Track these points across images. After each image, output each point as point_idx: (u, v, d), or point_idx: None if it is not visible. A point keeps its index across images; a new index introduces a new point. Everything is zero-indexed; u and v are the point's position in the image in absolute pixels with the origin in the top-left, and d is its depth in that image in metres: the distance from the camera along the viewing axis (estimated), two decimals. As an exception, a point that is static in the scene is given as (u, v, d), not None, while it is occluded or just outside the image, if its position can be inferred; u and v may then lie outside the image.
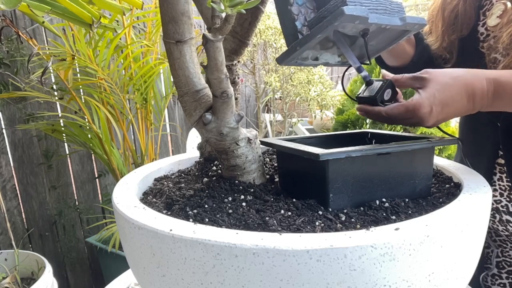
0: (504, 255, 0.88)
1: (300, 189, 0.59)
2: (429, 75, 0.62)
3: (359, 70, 0.63)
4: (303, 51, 0.60)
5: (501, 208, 0.83)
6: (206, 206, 0.55)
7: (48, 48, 1.79)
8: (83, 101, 1.79)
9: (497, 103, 0.64)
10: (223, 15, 0.49)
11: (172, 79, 1.14)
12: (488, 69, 0.78)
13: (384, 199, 0.56)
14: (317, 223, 0.49)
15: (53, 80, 1.86)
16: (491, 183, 0.84)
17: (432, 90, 0.60)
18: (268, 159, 0.81)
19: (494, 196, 0.84)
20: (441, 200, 0.58)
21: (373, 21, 0.55)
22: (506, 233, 0.84)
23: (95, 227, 2.15)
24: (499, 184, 0.83)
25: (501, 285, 0.89)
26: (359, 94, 0.67)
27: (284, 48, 2.81)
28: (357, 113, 0.69)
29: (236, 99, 0.71)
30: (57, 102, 1.91)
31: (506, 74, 0.63)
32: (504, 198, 0.82)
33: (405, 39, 0.71)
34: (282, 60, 0.63)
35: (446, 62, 0.86)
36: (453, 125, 2.17)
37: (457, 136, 0.97)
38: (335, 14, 0.53)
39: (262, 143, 0.68)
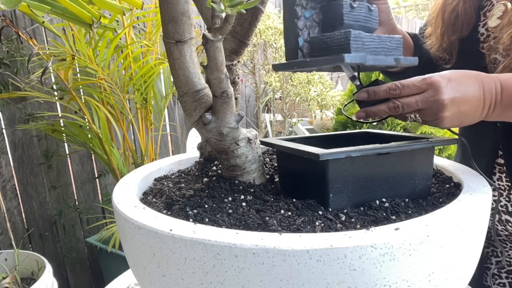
0: (504, 254, 0.88)
1: (300, 189, 0.59)
2: (434, 74, 0.61)
3: (353, 79, 0.64)
4: (299, 70, 0.62)
5: (500, 208, 0.83)
6: (206, 206, 0.55)
7: (48, 48, 1.79)
8: (83, 101, 1.79)
9: (505, 98, 0.62)
10: (223, 15, 0.49)
11: (172, 79, 1.14)
12: (488, 70, 0.79)
13: (384, 199, 0.56)
14: (317, 223, 0.49)
15: (53, 80, 1.86)
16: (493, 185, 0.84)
17: (443, 73, 0.59)
18: (268, 159, 0.81)
19: (493, 196, 0.84)
20: (441, 200, 0.58)
21: (369, 63, 0.57)
22: (506, 232, 0.84)
23: (95, 227, 2.15)
24: (499, 184, 0.83)
25: (501, 284, 0.89)
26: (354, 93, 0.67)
27: (284, 48, 2.80)
28: (357, 112, 0.66)
29: (236, 99, 0.71)
30: (57, 102, 1.91)
31: (507, 75, 0.63)
32: (504, 198, 0.82)
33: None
34: (278, 69, 0.65)
35: (447, 63, 0.87)
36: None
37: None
38: (336, 59, 0.54)
39: (262, 143, 0.68)
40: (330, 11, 0.60)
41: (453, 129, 0.73)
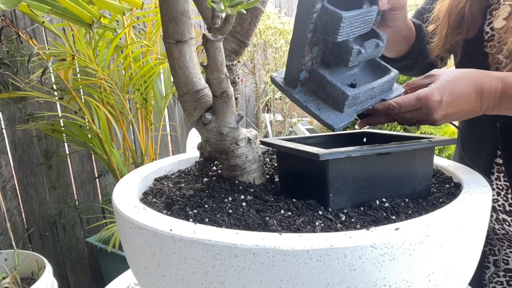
0: (501, 252, 0.88)
1: (300, 189, 0.59)
2: (438, 71, 0.63)
3: None
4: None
5: (497, 207, 0.83)
6: (206, 206, 0.55)
7: (48, 48, 1.79)
8: (83, 101, 1.79)
9: (505, 103, 0.64)
10: (223, 15, 0.49)
11: (172, 79, 1.14)
12: (491, 68, 0.79)
13: (384, 199, 0.56)
14: (317, 223, 0.49)
15: (53, 80, 1.86)
16: (489, 182, 0.84)
17: (442, 82, 0.61)
18: (268, 159, 0.81)
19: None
20: (441, 200, 0.58)
21: (358, 113, 0.63)
22: (503, 231, 0.85)
23: (95, 227, 2.15)
24: (497, 184, 0.84)
25: (499, 283, 0.89)
26: None
27: (284, 48, 2.78)
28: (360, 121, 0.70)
29: (236, 99, 0.71)
30: (57, 102, 1.91)
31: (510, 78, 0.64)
32: (501, 197, 0.83)
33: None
34: (274, 84, 0.65)
35: (446, 63, 0.87)
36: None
37: (456, 136, 0.97)
38: (327, 125, 0.59)
39: (262, 143, 0.68)
40: (339, 48, 0.59)
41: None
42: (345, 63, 0.58)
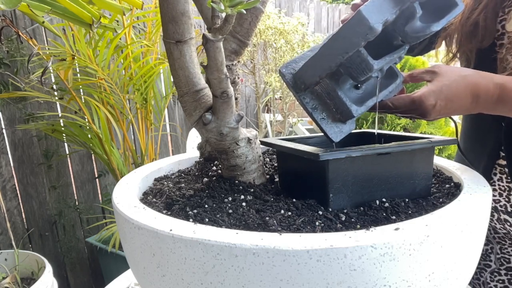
0: (503, 252, 0.88)
1: (300, 189, 0.59)
2: (440, 69, 0.64)
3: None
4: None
5: (499, 208, 0.83)
6: (206, 206, 0.55)
7: (48, 48, 1.79)
8: (83, 101, 1.79)
9: (499, 108, 0.65)
10: (223, 15, 0.49)
11: (172, 79, 1.14)
12: (498, 66, 0.78)
13: (384, 199, 0.56)
14: (317, 223, 0.49)
15: (53, 80, 1.86)
16: (491, 182, 0.84)
17: (440, 84, 0.62)
18: (268, 159, 0.81)
19: (493, 195, 0.84)
20: (441, 200, 0.58)
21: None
22: (504, 231, 0.85)
23: (95, 227, 2.15)
24: (499, 185, 0.83)
25: (500, 281, 0.89)
26: None
27: (284, 48, 2.78)
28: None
29: (236, 99, 0.71)
30: (57, 102, 1.91)
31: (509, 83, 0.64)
32: (503, 198, 0.83)
33: None
34: (282, 79, 0.64)
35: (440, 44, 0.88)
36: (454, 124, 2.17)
37: (459, 132, 0.97)
38: (328, 138, 0.60)
39: (262, 143, 0.68)
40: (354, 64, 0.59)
41: (456, 120, 0.76)
42: (357, 82, 0.58)
